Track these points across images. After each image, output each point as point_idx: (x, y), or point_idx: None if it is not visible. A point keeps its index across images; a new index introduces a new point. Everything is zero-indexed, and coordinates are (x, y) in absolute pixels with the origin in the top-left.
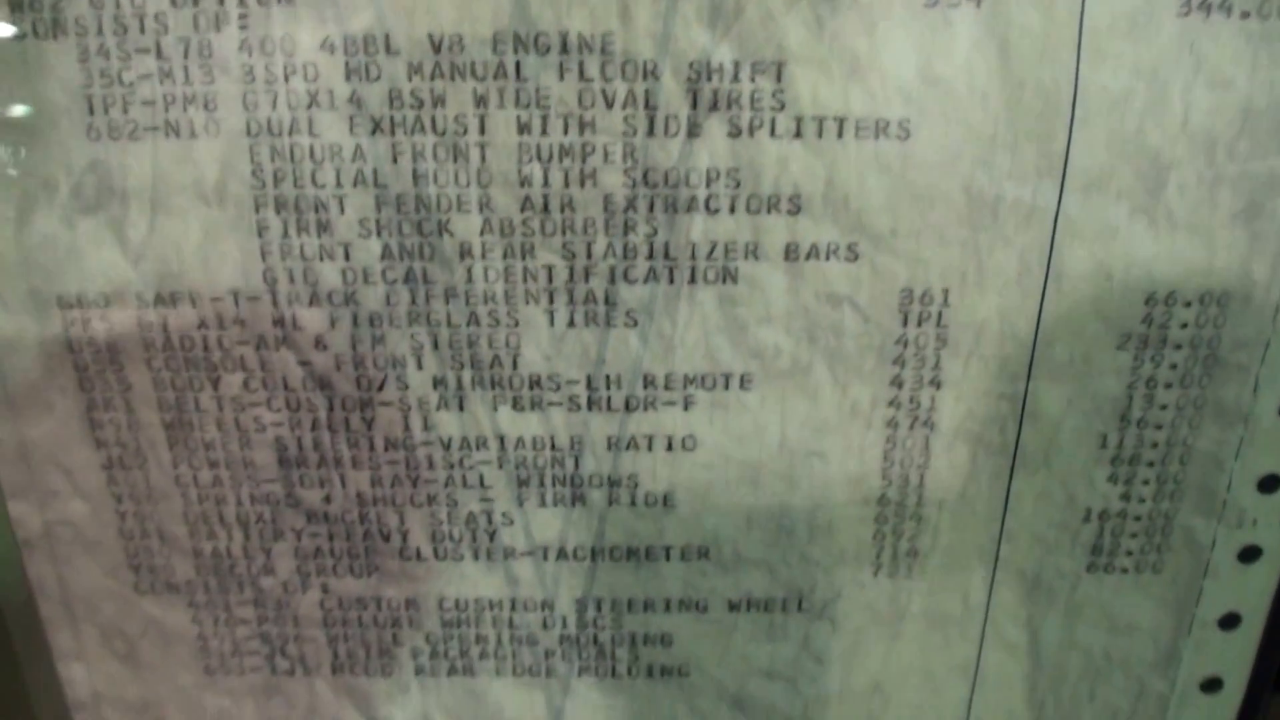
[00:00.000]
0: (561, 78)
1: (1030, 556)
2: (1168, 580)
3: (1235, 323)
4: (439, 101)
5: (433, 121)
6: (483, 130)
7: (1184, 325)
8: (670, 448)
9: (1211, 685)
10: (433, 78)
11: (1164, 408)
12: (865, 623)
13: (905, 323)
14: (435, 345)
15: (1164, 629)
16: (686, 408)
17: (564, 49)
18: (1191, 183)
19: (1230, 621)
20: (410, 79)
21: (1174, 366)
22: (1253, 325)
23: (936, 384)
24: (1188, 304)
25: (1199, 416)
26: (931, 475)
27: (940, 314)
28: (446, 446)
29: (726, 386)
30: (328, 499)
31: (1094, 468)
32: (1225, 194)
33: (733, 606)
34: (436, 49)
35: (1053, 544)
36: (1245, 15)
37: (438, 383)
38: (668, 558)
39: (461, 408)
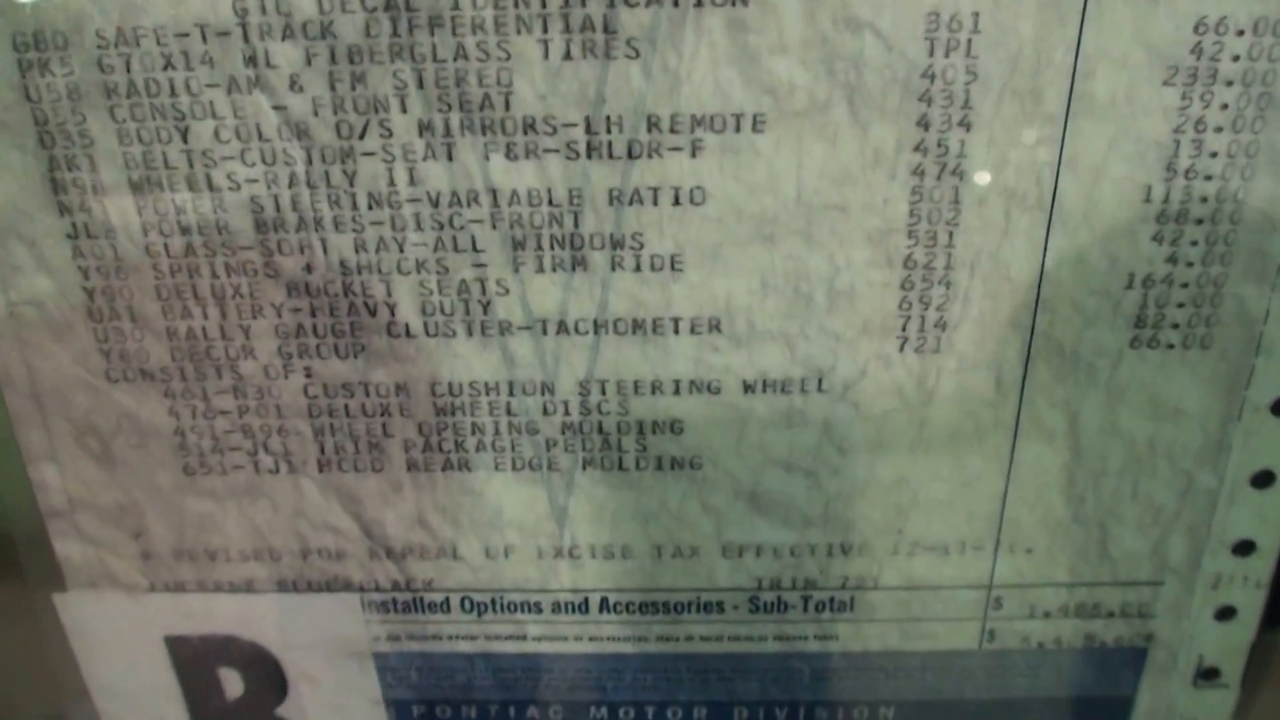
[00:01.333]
0: None
1: (1069, 329)
2: (1216, 357)
3: None
4: None
5: None
6: None
7: (1236, 58)
8: (677, 201)
9: (1264, 480)
10: None
11: (1214, 155)
12: (891, 406)
13: (932, 52)
14: (420, 83)
15: (1212, 414)
16: (694, 154)
17: None
18: None
19: None
20: None
21: (1225, 107)
22: None
23: (966, 125)
24: (1240, 33)
25: (1251, 167)
26: (961, 234)
27: (970, 42)
28: (435, 203)
29: (738, 129)
30: (308, 268)
31: (1138, 225)
32: None
33: (747, 388)
34: None
35: (1093, 315)
36: None
37: (424, 128)
38: (676, 330)
39: (450, 157)
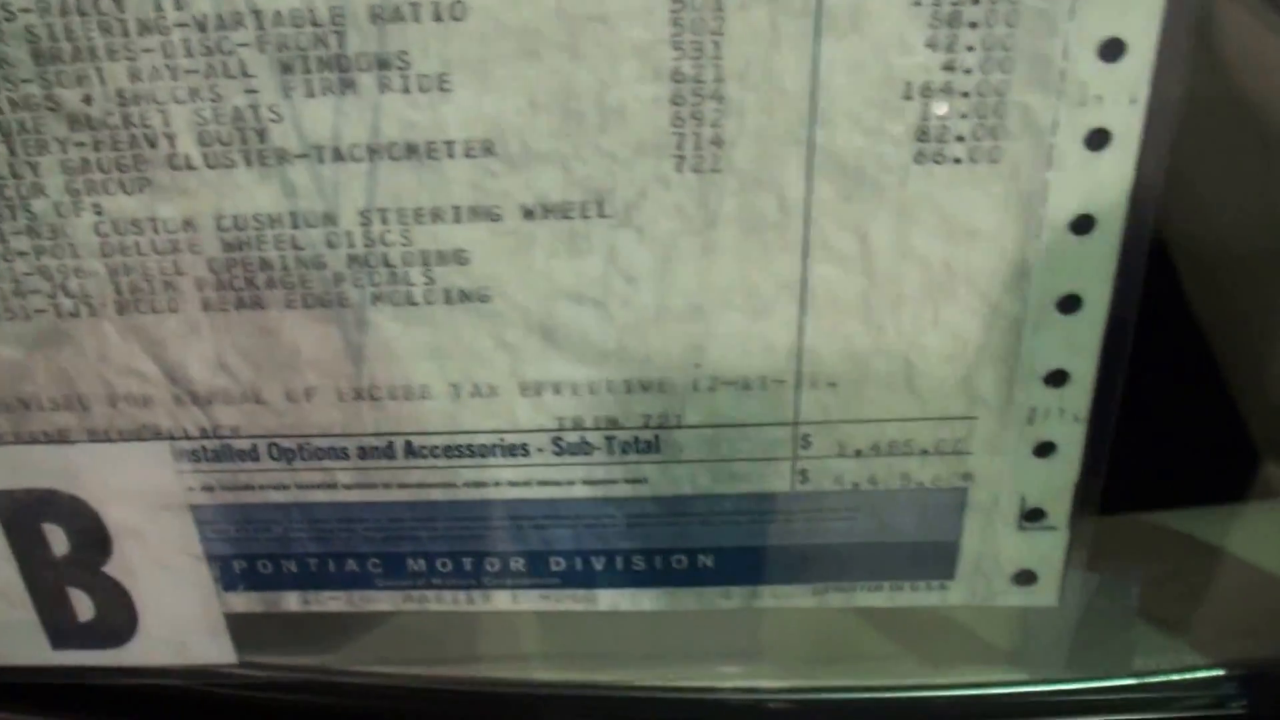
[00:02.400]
0: None
1: (850, 143)
2: (1007, 173)
3: None
4: None
5: None
6: None
7: None
8: (439, 17)
9: (1070, 304)
10: None
11: None
12: (675, 230)
13: None
14: None
15: (1009, 234)
16: None
17: None
18: None
19: (1083, 225)
20: None
21: None
22: None
23: None
24: None
25: None
26: (728, 43)
27: None
28: (202, 27)
29: None
30: (88, 99)
31: (910, 28)
32: None
33: (528, 213)
34: None
35: (873, 127)
36: None
37: None
38: (451, 154)
39: None
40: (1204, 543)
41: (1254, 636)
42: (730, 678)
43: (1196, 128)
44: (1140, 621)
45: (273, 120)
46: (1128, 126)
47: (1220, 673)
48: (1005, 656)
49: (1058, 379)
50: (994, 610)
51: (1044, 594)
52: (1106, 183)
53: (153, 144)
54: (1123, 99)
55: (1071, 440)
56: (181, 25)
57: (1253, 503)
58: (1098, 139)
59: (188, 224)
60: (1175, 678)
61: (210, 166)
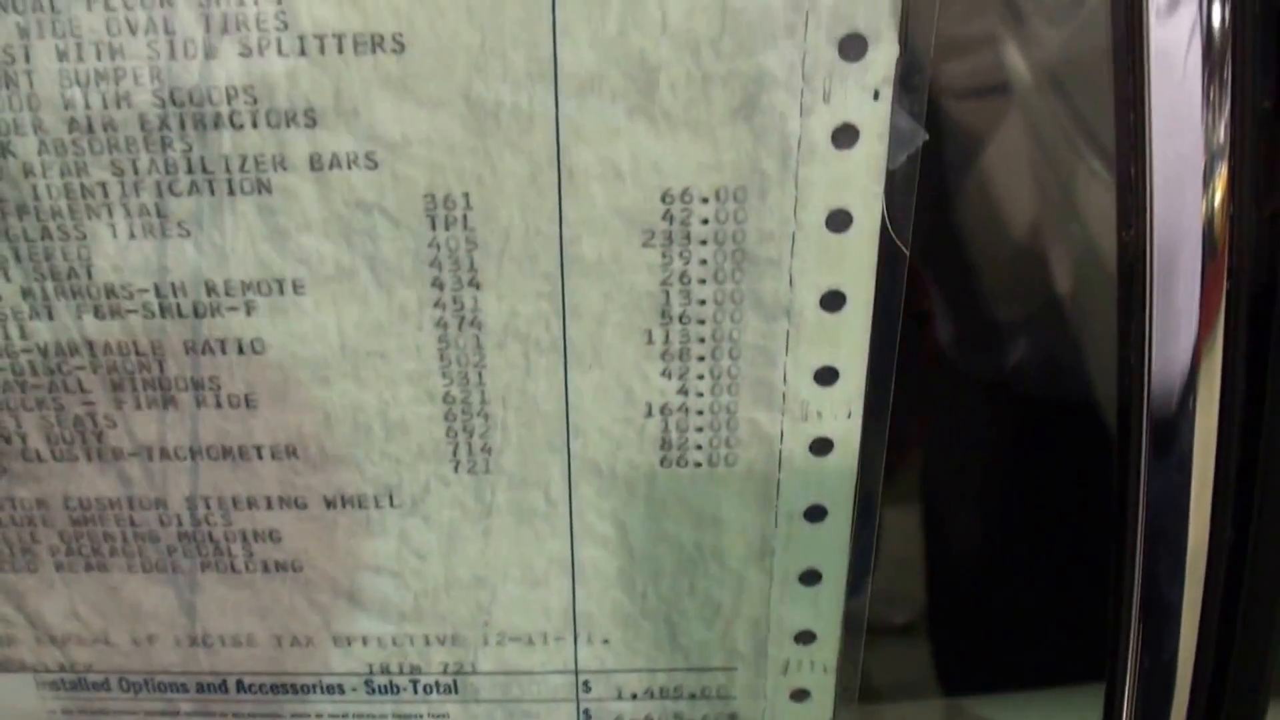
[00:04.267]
0: (90, 9)
1: (602, 451)
2: (743, 473)
3: (757, 217)
4: None
5: None
6: (28, 58)
7: (705, 221)
8: (242, 351)
9: (811, 578)
10: None
11: (703, 303)
12: (457, 518)
13: (434, 226)
14: (18, 258)
15: (751, 522)
16: (249, 313)
17: None
18: (682, 82)
19: (816, 514)
20: None
21: (704, 262)
22: (775, 219)
23: (476, 285)
24: (705, 200)
25: (740, 310)
26: (490, 374)
27: (465, 217)
28: (44, 353)
29: (282, 291)
30: None
31: (645, 363)
32: (718, 91)
33: (329, 503)
34: None
35: (620, 438)
36: None
37: (26, 293)
38: (260, 456)
39: (51, 317)
40: None
41: None
42: None
43: None
44: None
45: (108, 426)
46: (846, 435)
47: None
48: None
49: (806, 638)
50: None
51: None
52: (833, 480)
53: (8, 441)
54: (840, 413)
55: (823, 688)
56: (27, 351)
57: None
58: (821, 446)
59: (40, 503)
60: None
61: (57, 460)
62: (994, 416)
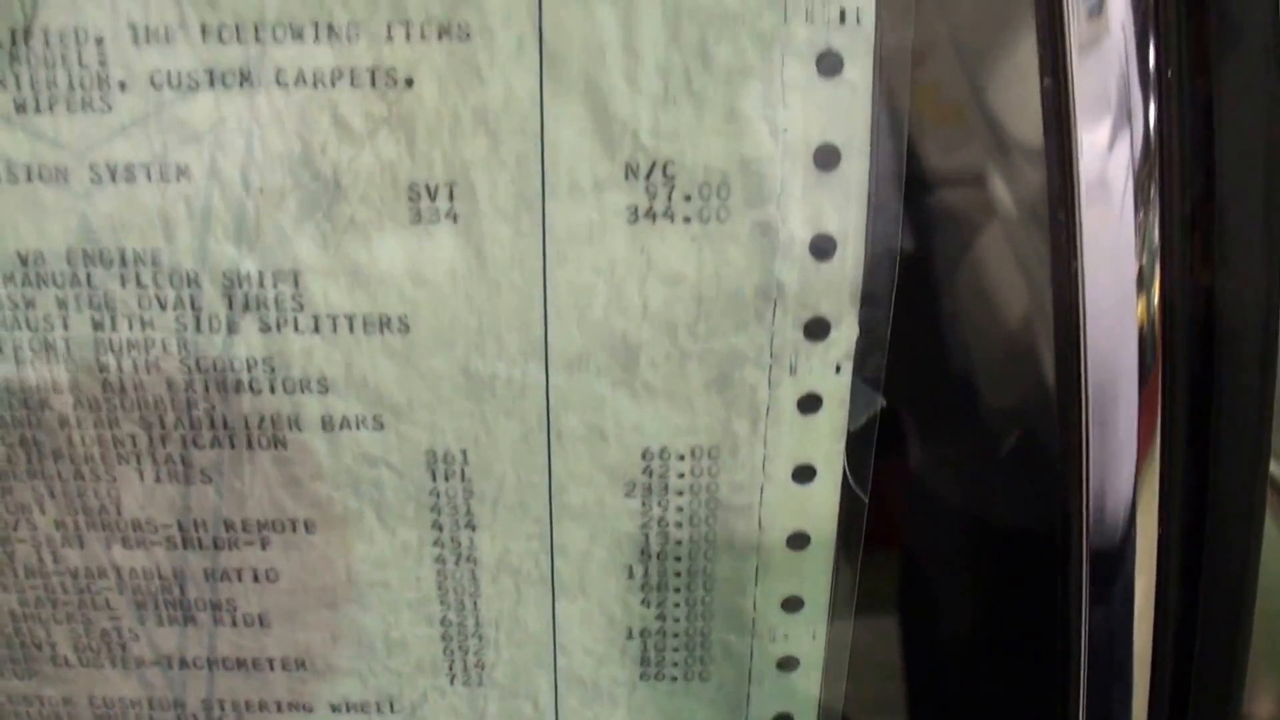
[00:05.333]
0: (123, 285)
1: (586, 667)
2: (715, 687)
3: (729, 471)
4: (30, 304)
5: (27, 320)
6: (66, 327)
7: (681, 475)
8: (257, 579)
9: None
10: (24, 285)
11: (679, 543)
12: None
13: (434, 478)
14: (52, 495)
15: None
16: (264, 547)
17: (123, 262)
18: (661, 359)
19: None
20: (5, 286)
21: (680, 509)
22: (745, 472)
23: (472, 527)
24: (681, 457)
25: (713, 549)
26: (484, 601)
27: (463, 470)
28: (75, 576)
29: (294, 530)
30: None
31: (627, 594)
32: (694, 367)
33: (334, 709)
34: (24, 263)
35: (603, 656)
36: (687, 220)
37: (59, 525)
38: (272, 668)
39: (81, 546)
40: None
41: None
42: None
43: None
44: None
45: (132, 639)
46: (811, 653)
47: None
48: None
49: None
50: None
51: None
52: (799, 692)
53: (38, 647)
54: (805, 635)
55: None
56: (59, 573)
57: None
58: (788, 663)
59: (66, 700)
60: None
61: (84, 665)
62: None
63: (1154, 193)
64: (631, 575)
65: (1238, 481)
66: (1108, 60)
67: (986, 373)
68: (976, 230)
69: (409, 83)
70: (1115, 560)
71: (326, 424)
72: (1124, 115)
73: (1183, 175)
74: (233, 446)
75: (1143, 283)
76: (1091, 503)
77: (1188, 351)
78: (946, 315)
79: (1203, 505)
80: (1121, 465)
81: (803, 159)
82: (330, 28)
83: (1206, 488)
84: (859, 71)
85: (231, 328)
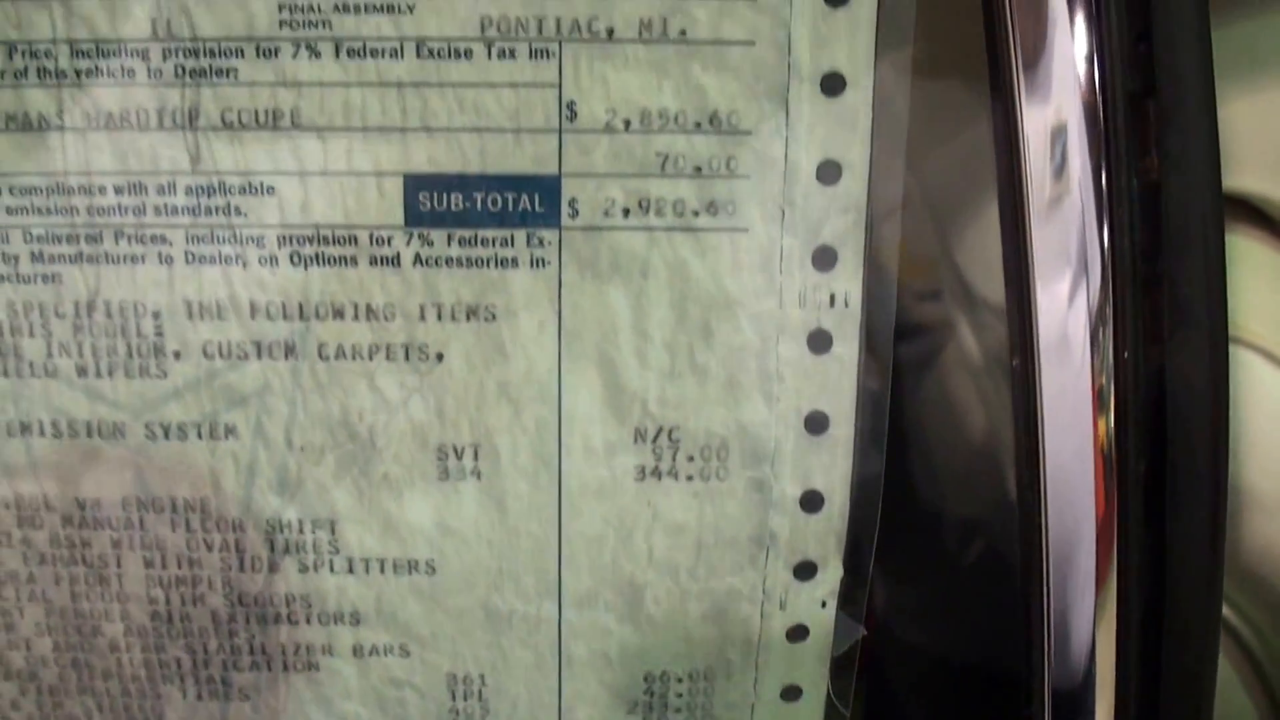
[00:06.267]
0: (174, 530)
1: None
2: None
3: (722, 691)
4: (87, 544)
5: (83, 557)
6: (119, 565)
7: (680, 695)
8: None
9: None
10: (81, 527)
11: None
12: None
13: (454, 697)
14: (100, 709)
15: None
16: None
17: (174, 509)
18: (664, 597)
19: None
20: (64, 528)
21: None
22: (738, 693)
23: None
24: (679, 680)
25: None
26: None
27: (480, 690)
28: None
29: None
30: None
31: None
32: (694, 604)
33: None
34: (82, 508)
35: None
36: (690, 478)
37: None
38: None
39: None
40: None
41: None
42: None
43: None
44: None
45: None
46: None
47: None
48: None
49: None
50: None
51: None
52: None
53: None
54: None
55: None
56: None
57: None
58: None
59: None
60: None
61: None
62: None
63: (1108, 345)
64: None
65: (1193, 619)
66: (1066, 223)
67: (951, 517)
68: (938, 382)
69: (440, 357)
70: (1077, 698)
71: (357, 651)
72: (1081, 271)
73: (1134, 324)
74: (269, 670)
75: (1097, 435)
76: (1054, 645)
77: (1140, 497)
78: (909, 460)
79: (1159, 646)
80: (1081, 616)
81: (795, 425)
82: (369, 308)
83: (1162, 629)
84: (846, 347)
85: (272, 568)
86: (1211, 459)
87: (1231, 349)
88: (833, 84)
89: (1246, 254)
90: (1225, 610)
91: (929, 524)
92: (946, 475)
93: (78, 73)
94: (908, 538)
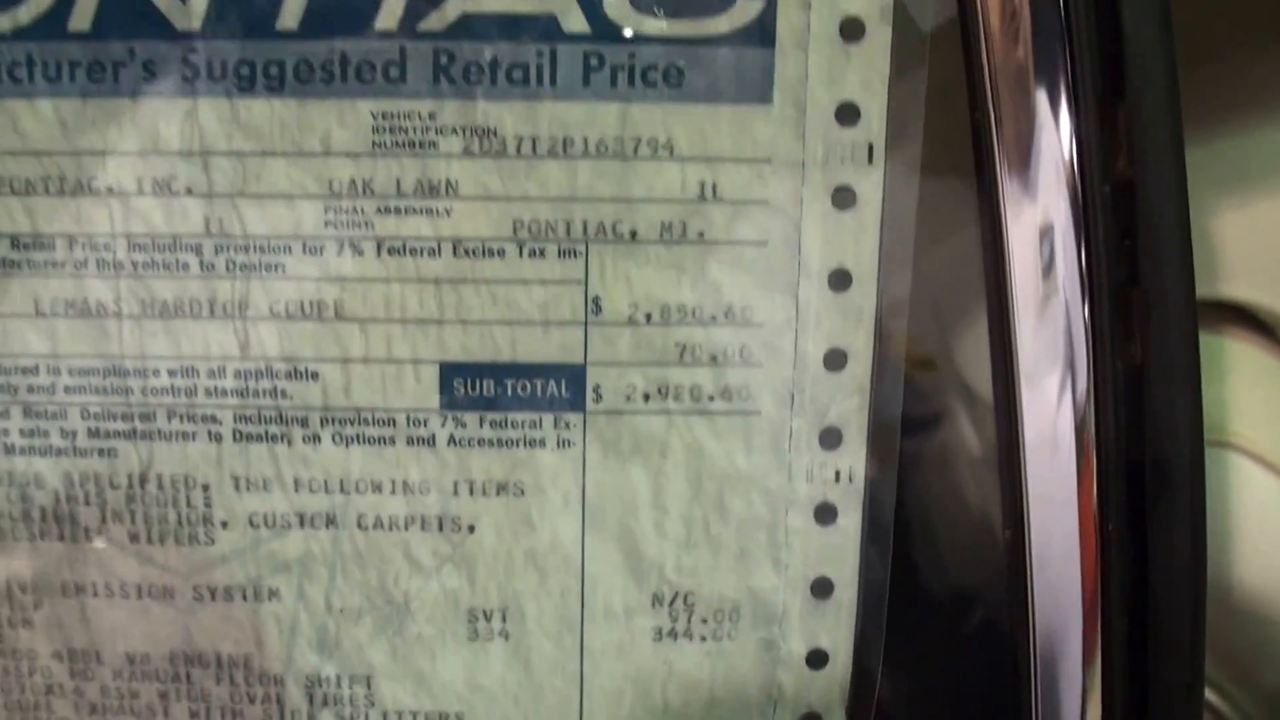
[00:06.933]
0: (218, 683)
1: None
2: None
3: None
4: (135, 695)
5: (131, 708)
6: (166, 715)
7: None
8: None
9: None
10: (130, 679)
11: None
12: None
13: None
14: None
15: None
16: None
17: (219, 664)
18: None
19: None
20: (114, 681)
21: None
22: None
23: None
24: None
25: None
26: None
27: None
28: None
29: None
30: None
31: None
32: None
33: None
34: (131, 662)
35: None
36: (704, 638)
37: None
38: None
39: None
40: None
41: None
42: None
43: None
44: None
45: None
46: None
47: None
48: None
49: None
50: None
51: None
52: None
53: None
54: None
55: None
56: None
57: None
58: None
59: None
60: None
61: None
62: None
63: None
64: None
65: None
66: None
67: (944, 604)
68: (929, 480)
69: (471, 529)
70: None
71: None
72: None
73: (1116, 423)
74: None
75: (1084, 536)
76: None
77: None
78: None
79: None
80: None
81: (801, 590)
82: (405, 484)
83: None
84: (850, 519)
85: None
86: (1191, 553)
87: (1224, 453)
88: (840, 280)
89: (1240, 359)
90: (1220, 702)
91: (930, 682)
92: (950, 636)
93: (134, 265)
94: (909, 693)
